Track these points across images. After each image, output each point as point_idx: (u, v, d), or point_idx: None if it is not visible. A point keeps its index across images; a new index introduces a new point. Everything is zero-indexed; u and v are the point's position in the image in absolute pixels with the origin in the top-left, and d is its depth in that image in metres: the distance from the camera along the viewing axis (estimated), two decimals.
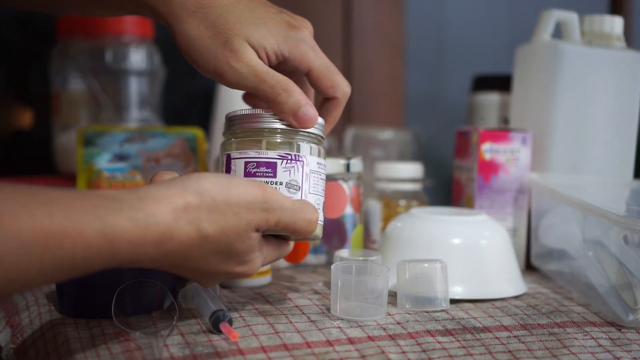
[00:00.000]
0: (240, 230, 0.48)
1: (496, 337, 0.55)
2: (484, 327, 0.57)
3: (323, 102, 0.61)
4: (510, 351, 0.52)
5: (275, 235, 0.54)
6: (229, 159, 0.55)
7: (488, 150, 0.77)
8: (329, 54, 0.60)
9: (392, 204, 0.84)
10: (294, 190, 0.54)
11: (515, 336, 0.55)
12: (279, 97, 0.54)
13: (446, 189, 1.00)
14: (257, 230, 0.50)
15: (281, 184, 0.53)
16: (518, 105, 0.86)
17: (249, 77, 0.55)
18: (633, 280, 0.60)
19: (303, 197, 0.54)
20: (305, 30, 0.58)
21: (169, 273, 0.51)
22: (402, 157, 1.06)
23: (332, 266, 0.58)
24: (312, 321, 0.56)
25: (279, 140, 0.54)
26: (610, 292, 0.61)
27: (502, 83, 0.93)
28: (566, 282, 0.70)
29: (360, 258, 0.64)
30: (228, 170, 0.54)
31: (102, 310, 0.54)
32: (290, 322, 0.55)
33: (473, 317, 0.59)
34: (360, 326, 0.55)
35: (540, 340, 0.55)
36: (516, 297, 0.66)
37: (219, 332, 0.52)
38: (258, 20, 0.56)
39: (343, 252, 0.66)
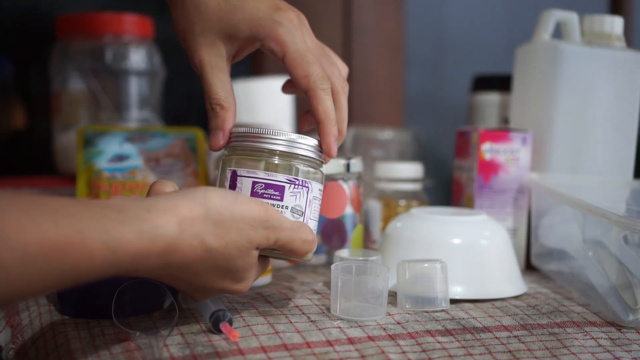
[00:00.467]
0: (243, 247, 0.48)
1: (496, 337, 0.55)
2: (484, 327, 0.57)
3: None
4: (510, 351, 0.52)
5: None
6: (234, 175, 0.54)
7: (488, 150, 0.77)
8: None
9: (392, 204, 0.84)
10: (297, 216, 0.54)
11: (515, 336, 0.55)
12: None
13: (446, 189, 1.00)
14: (257, 248, 0.50)
15: (287, 208, 0.53)
16: (518, 105, 0.86)
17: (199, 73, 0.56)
18: (633, 280, 0.60)
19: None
20: (291, 12, 0.56)
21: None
22: (402, 157, 1.06)
23: (332, 266, 0.58)
24: (312, 321, 0.56)
25: (277, 162, 0.53)
26: (610, 292, 0.61)
27: (502, 83, 0.93)
28: (566, 282, 0.70)
29: (360, 258, 0.64)
30: (233, 187, 0.54)
31: (102, 310, 0.54)
32: (290, 322, 0.55)
33: (473, 317, 0.59)
34: (360, 326, 0.55)
35: (540, 340, 0.55)
36: (516, 297, 0.66)
37: (219, 332, 0.52)
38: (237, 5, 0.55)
39: (343, 252, 0.66)
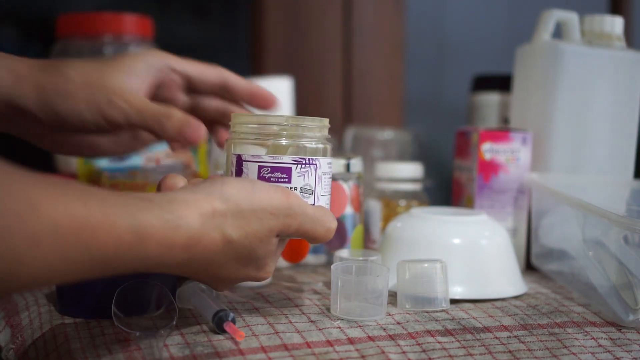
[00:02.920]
0: (263, 235, 0.49)
1: (496, 337, 0.55)
2: (484, 327, 0.57)
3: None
4: (510, 351, 0.52)
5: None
6: (239, 160, 0.54)
7: (488, 150, 0.77)
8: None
9: (392, 204, 0.84)
10: (307, 195, 0.53)
11: (515, 336, 0.55)
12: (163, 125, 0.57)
13: (446, 189, 1.00)
14: (278, 236, 0.50)
15: (296, 189, 0.53)
16: (518, 105, 0.86)
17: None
18: (633, 280, 0.60)
19: (315, 200, 0.54)
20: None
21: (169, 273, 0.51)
22: (402, 157, 1.06)
23: (332, 266, 0.58)
24: (312, 321, 0.56)
25: (284, 143, 0.53)
26: (610, 292, 0.61)
27: (502, 83, 0.93)
28: (566, 282, 0.70)
29: (360, 258, 0.64)
30: (239, 172, 0.54)
31: (102, 310, 0.54)
32: (290, 322, 0.55)
33: (473, 317, 0.59)
34: (360, 326, 0.55)
35: (541, 340, 0.55)
36: (516, 297, 0.66)
37: (223, 332, 0.52)
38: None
39: (343, 252, 0.66)
